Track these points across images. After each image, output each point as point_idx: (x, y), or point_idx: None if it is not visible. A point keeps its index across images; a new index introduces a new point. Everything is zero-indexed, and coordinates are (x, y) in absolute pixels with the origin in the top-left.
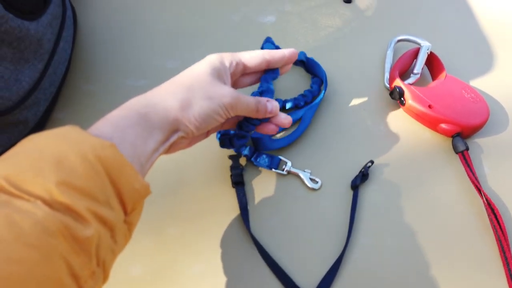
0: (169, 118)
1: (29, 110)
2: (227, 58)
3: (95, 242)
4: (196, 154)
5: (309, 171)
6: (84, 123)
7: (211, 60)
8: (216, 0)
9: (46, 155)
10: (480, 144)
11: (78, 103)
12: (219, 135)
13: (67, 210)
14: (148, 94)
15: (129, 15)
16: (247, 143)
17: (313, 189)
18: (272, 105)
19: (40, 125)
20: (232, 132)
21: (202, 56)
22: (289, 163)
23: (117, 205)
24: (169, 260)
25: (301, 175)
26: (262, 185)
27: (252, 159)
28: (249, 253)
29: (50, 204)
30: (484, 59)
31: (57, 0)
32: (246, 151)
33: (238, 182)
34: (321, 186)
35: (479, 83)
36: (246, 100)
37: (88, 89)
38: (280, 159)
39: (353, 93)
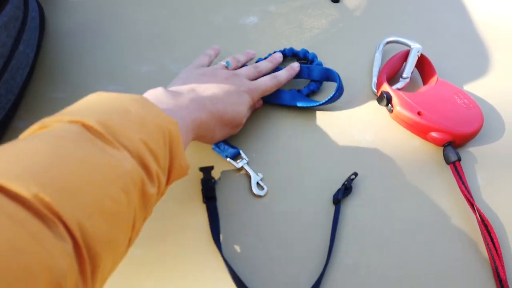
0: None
1: None
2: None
3: (152, 202)
4: None
5: (261, 175)
6: None
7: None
8: (196, 0)
9: (132, 116)
10: (474, 153)
11: (43, 112)
12: None
13: (144, 167)
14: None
15: (102, 16)
16: None
17: (259, 196)
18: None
19: None
20: None
21: (179, 61)
22: (245, 160)
23: (166, 175)
24: (131, 285)
25: (252, 176)
26: (236, 200)
27: (213, 144)
28: (219, 276)
29: (135, 157)
30: (478, 62)
31: (16, 1)
32: None
33: (210, 196)
34: (266, 193)
35: (473, 88)
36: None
37: (54, 96)
38: (239, 153)
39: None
